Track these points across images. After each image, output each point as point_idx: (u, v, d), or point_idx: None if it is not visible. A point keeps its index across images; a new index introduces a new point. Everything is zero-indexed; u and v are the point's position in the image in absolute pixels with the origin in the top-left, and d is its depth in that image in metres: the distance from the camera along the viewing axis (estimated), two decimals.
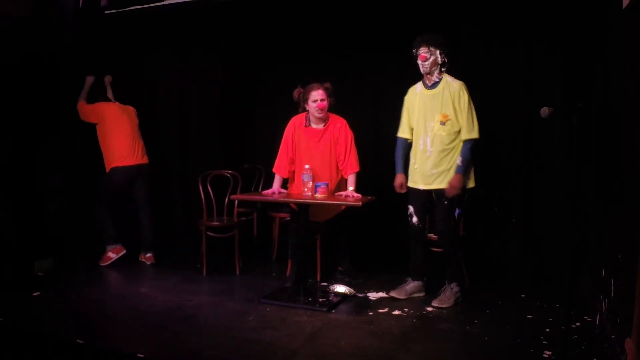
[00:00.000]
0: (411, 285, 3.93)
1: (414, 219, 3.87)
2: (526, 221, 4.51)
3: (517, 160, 4.50)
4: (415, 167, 3.81)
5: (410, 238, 3.94)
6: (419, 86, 3.86)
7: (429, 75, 3.75)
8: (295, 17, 5.12)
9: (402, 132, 3.93)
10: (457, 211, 3.85)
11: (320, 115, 4.06)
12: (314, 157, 4.12)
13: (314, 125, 4.16)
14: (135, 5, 5.03)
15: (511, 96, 4.50)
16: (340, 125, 4.15)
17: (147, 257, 4.99)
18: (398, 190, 3.93)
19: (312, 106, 4.03)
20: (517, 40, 4.45)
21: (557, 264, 4.27)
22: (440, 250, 3.90)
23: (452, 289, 3.76)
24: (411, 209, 3.88)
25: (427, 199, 3.87)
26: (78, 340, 3.08)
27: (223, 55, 5.54)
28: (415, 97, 3.83)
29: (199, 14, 5.20)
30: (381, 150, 5.15)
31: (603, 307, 3.17)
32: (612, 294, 2.96)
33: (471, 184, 3.81)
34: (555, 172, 4.34)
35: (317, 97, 4.01)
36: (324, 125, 4.15)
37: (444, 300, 3.72)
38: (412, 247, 3.95)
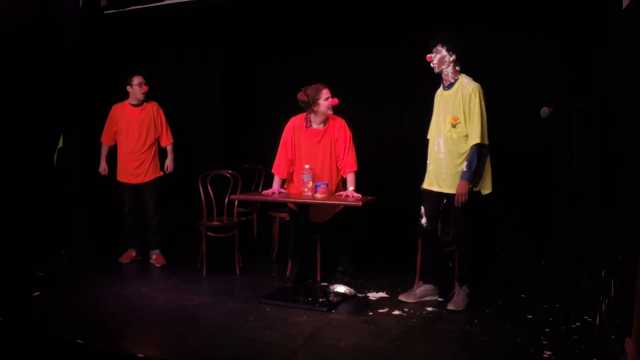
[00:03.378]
0: (421, 288, 3.87)
1: (423, 220, 3.78)
2: (526, 221, 4.51)
3: (517, 159, 4.49)
4: (430, 168, 3.74)
5: (419, 239, 3.90)
6: (441, 87, 3.78)
7: (444, 75, 3.67)
8: (295, 18, 5.12)
9: (429, 134, 3.84)
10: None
11: (331, 112, 4.09)
12: (316, 157, 4.12)
13: (314, 126, 4.16)
14: (135, 5, 5.03)
15: (511, 96, 4.49)
16: (339, 125, 4.16)
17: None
18: None
19: (324, 104, 4.04)
20: (517, 40, 4.44)
21: (557, 264, 4.27)
22: (451, 249, 3.84)
23: (464, 291, 3.71)
24: (422, 209, 3.80)
25: (440, 202, 3.74)
26: (78, 340, 3.08)
27: (223, 55, 5.54)
28: (437, 98, 3.78)
29: (198, 14, 5.20)
30: (381, 151, 5.15)
31: (603, 307, 3.17)
32: (612, 294, 2.96)
33: (487, 189, 3.67)
34: (555, 173, 4.34)
35: (328, 94, 4.06)
36: (324, 125, 4.15)
37: (460, 303, 3.66)
38: (422, 249, 3.92)
